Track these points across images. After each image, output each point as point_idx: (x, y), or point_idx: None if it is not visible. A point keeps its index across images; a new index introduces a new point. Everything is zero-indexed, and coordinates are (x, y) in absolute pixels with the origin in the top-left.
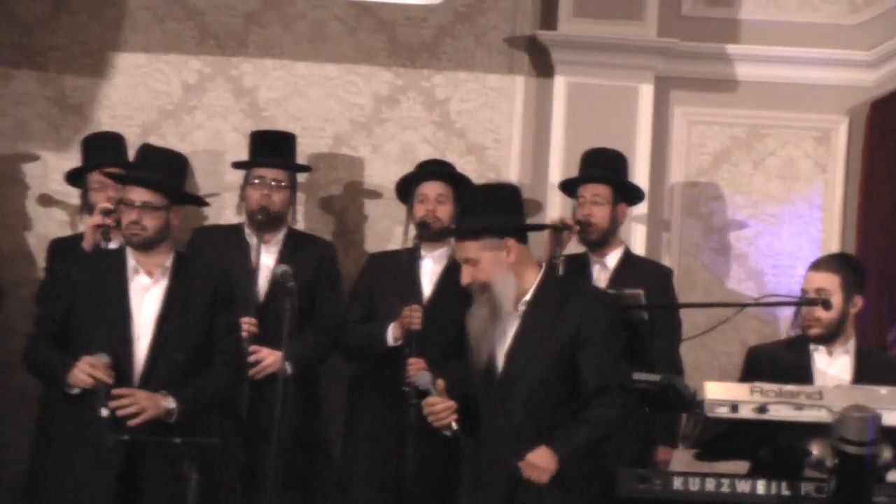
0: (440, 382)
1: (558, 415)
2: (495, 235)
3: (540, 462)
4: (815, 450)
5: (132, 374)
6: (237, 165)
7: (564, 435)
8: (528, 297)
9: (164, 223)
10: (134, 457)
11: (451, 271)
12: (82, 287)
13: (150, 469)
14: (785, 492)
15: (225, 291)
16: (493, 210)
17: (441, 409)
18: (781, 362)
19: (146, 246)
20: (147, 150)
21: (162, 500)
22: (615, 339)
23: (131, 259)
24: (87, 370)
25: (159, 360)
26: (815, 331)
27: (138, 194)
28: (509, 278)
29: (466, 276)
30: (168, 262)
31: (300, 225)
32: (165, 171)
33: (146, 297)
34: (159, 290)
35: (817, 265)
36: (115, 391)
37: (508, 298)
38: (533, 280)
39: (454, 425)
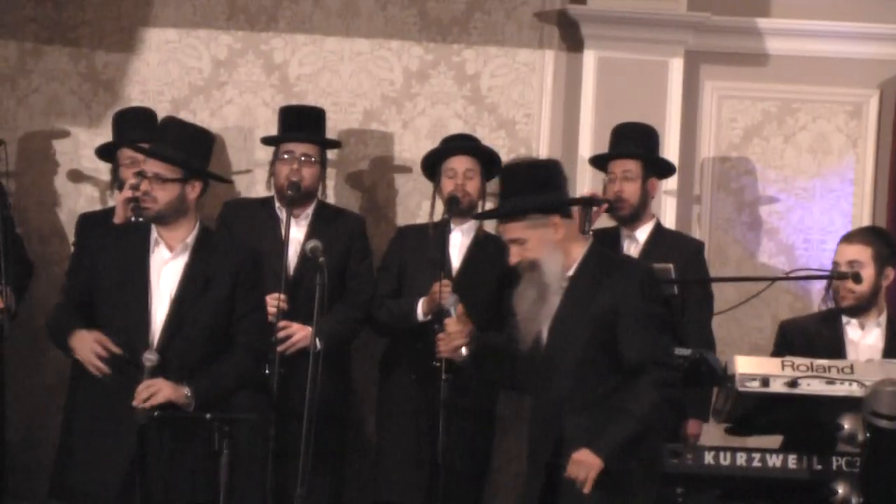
0: (460, 307)
1: (603, 387)
2: (540, 214)
3: (584, 461)
4: (847, 424)
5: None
6: (266, 141)
7: (606, 431)
8: (571, 271)
9: (177, 197)
10: (154, 433)
11: (479, 244)
12: (107, 259)
13: (171, 445)
14: (816, 466)
15: (249, 270)
16: (536, 188)
17: (453, 330)
18: (814, 336)
19: (160, 219)
20: (167, 123)
21: (182, 475)
22: (654, 313)
23: (154, 233)
24: (91, 347)
25: (176, 336)
26: (847, 303)
27: (150, 165)
28: (557, 255)
29: (514, 256)
30: (191, 237)
31: (330, 200)
32: (184, 145)
33: (164, 271)
34: (179, 264)
35: (849, 237)
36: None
37: (556, 275)
38: (578, 254)
39: (464, 351)
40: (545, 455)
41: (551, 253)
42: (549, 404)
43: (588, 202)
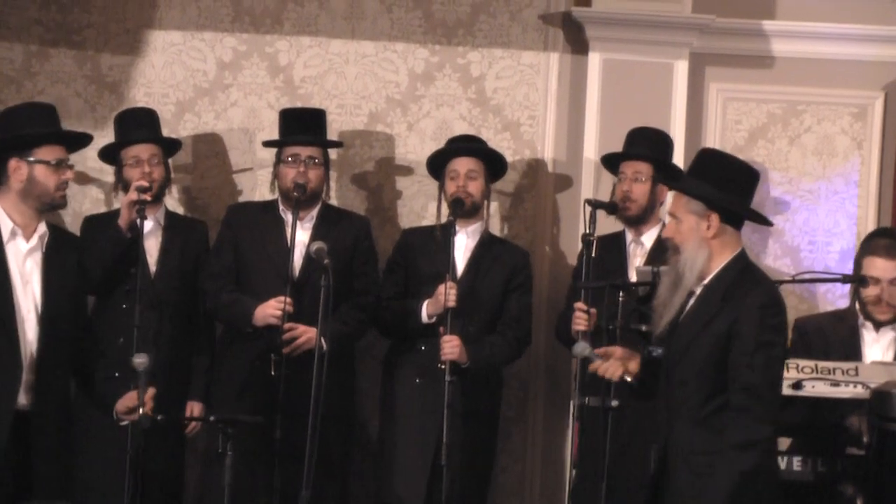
0: (604, 351)
1: (712, 405)
2: (704, 203)
3: None
4: (852, 426)
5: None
6: (268, 144)
7: (709, 492)
8: (708, 279)
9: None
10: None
11: (484, 246)
12: None
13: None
14: (821, 468)
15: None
16: (720, 182)
17: (605, 368)
18: (830, 336)
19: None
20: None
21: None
22: (766, 342)
23: None
24: None
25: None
26: (882, 317)
27: None
28: (701, 251)
29: (667, 230)
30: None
31: (335, 202)
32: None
33: None
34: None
35: (876, 250)
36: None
37: (693, 271)
38: (720, 264)
39: (627, 377)
40: (654, 459)
41: (697, 246)
42: (663, 408)
43: (761, 221)
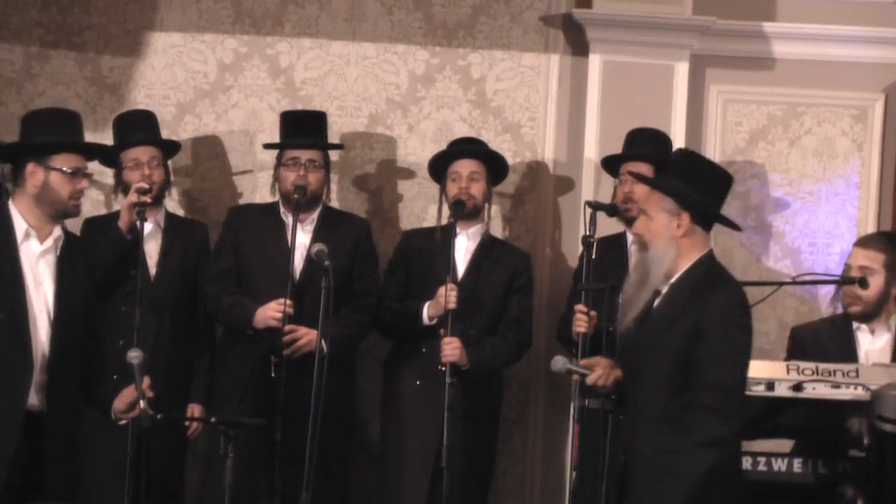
0: (588, 363)
1: (677, 403)
2: (676, 201)
3: None
4: (852, 428)
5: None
6: (269, 146)
7: (667, 492)
8: (675, 278)
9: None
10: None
11: (485, 248)
12: None
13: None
14: (822, 470)
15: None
16: (694, 182)
17: (596, 378)
18: (826, 341)
19: None
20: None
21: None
22: (734, 340)
23: None
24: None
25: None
26: (855, 308)
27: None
28: (669, 250)
29: (638, 226)
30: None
31: (335, 204)
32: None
33: None
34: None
35: (865, 242)
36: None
37: (660, 268)
38: (687, 264)
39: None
40: (619, 454)
41: (665, 244)
42: (630, 408)
43: (730, 223)
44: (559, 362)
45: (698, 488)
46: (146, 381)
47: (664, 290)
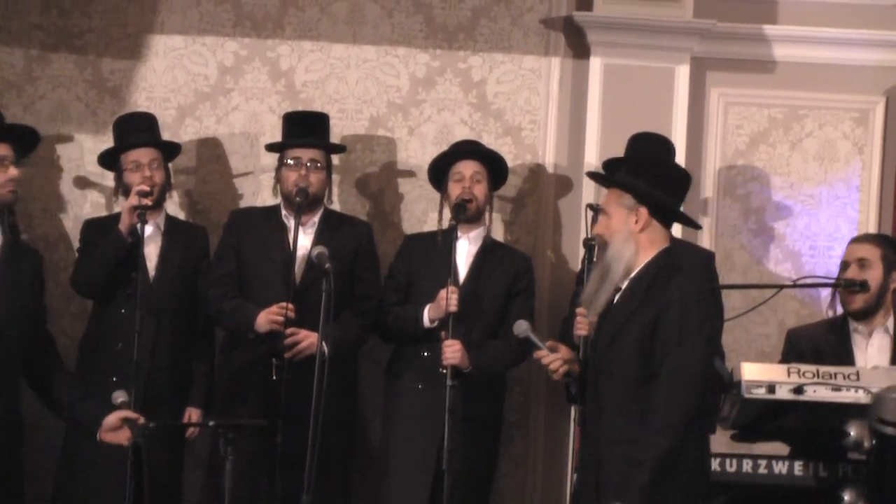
0: (552, 344)
1: (635, 394)
2: (635, 197)
3: None
4: (853, 431)
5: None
6: (271, 147)
7: (628, 481)
8: (634, 273)
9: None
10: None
11: (486, 251)
12: None
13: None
14: (822, 473)
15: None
16: (652, 178)
17: (551, 360)
18: (822, 344)
19: None
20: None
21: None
22: (693, 328)
23: None
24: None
25: None
26: (855, 306)
27: None
28: (628, 245)
29: (598, 226)
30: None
31: (336, 207)
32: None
33: None
34: None
35: (859, 238)
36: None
37: (619, 264)
38: (646, 258)
39: (569, 383)
40: (591, 454)
41: (623, 240)
42: (594, 403)
43: (688, 220)
44: (522, 326)
45: (657, 476)
46: (126, 414)
47: (624, 285)
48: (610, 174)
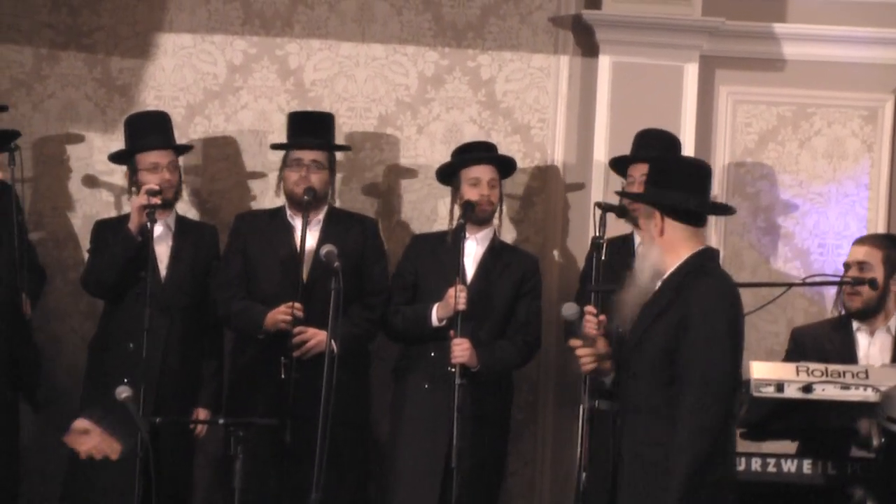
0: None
1: (662, 396)
2: (649, 205)
3: None
4: (862, 429)
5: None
6: (276, 147)
7: (664, 485)
8: (667, 275)
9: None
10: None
11: (494, 252)
12: None
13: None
14: (831, 471)
15: None
16: (666, 183)
17: (583, 354)
18: (825, 343)
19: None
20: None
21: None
22: (721, 329)
23: None
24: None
25: None
26: (855, 305)
27: None
28: (652, 251)
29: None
30: None
31: (345, 205)
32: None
33: None
34: None
35: (861, 240)
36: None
37: (645, 270)
38: (676, 262)
39: (604, 379)
40: (611, 451)
41: (647, 246)
42: (621, 406)
43: (723, 209)
44: (572, 308)
45: (691, 476)
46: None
47: (655, 289)
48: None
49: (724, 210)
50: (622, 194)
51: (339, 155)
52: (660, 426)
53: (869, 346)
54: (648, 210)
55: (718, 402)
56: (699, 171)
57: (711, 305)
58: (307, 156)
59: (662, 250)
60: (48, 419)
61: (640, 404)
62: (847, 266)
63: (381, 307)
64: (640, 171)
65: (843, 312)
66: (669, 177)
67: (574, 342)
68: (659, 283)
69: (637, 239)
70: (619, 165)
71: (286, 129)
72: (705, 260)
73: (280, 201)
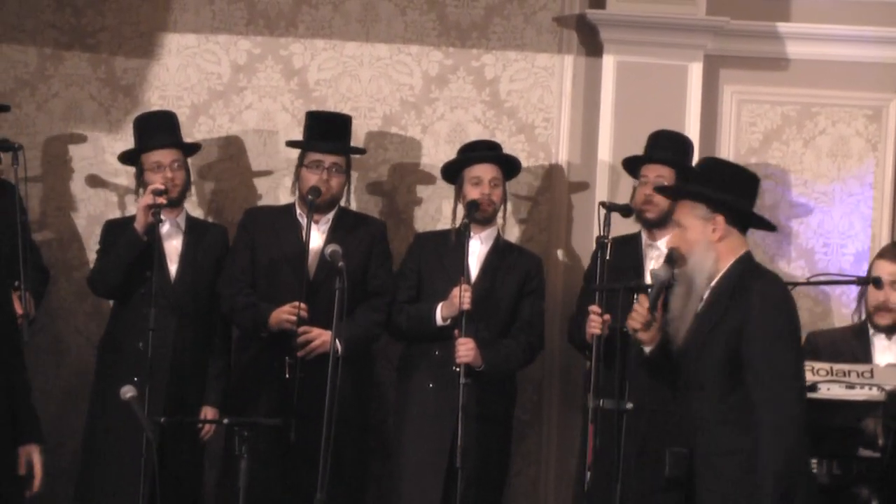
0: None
1: (730, 403)
2: (708, 206)
3: None
4: (867, 428)
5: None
6: (292, 144)
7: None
8: (715, 281)
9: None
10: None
11: (498, 252)
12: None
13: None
14: (836, 471)
15: None
16: (723, 185)
17: (639, 312)
18: (842, 346)
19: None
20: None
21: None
22: (781, 328)
23: None
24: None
25: None
26: (883, 322)
27: None
28: (709, 255)
29: (673, 239)
30: None
31: (351, 206)
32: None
33: None
34: None
35: (888, 254)
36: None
37: (703, 275)
38: (726, 265)
39: (643, 340)
40: (671, 464)
41: (703, 250)
42: (685, 416)
43: (766, 227)
44: (666, 273)
45: (784, 470)
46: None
47: (706, 294)
48: (680, 183)
49: (769, 226)
50: (663, 190)
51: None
52: (731, 435)
53: (885, 349)
54: (703, 212)
55: (795, 394)
56: (753, 178)
57: (772, 305)
58: (328, 159)
59: (718, 256)
60: (53, 418)
61: (707, 416)
62: (878, 281)
63: (386, 309)
64: (654, 172)
65: (863, 318)
66: (725, 179)
67: (644, 299)
68: (708, 291)
69: (644, 239)
70: (631, 165)
71: (304, 127)
72: (753, 262)
73: (284, 200)
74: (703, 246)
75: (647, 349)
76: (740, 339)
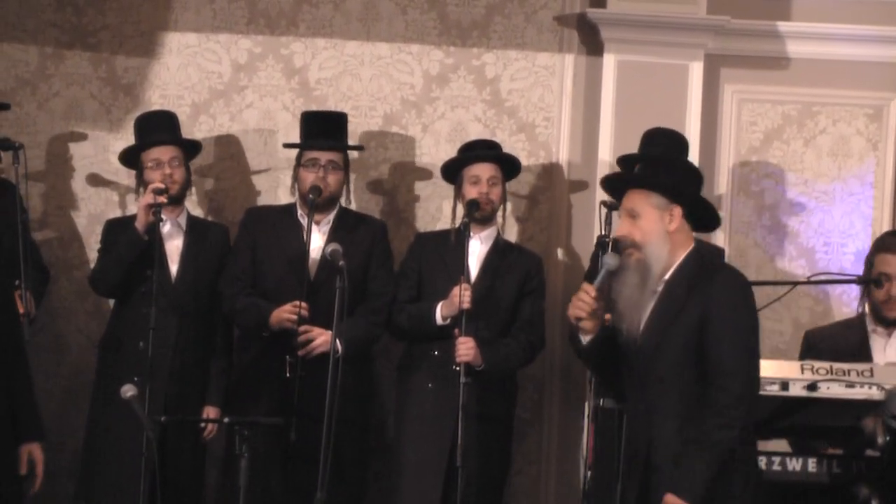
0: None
1: (692, 395)
2: (667, 196)
3: None
4: (867, 427)
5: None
6: (289, 146)
7: (689, 475)
8: (668, 274)
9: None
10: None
11: (498, 251)
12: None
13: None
14: (836, 470)
15: None
16: (678, 174)
17: (584, 300)
18: (840, 342)
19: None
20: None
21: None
22: (744, 324)
23: None
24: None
25: None
26: (893, 314)
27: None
28: (664, 246)
29: (622, 229)
30: None
31: (352, 205)
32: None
33: None
34: None
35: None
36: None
37: (658, 266)
38: (678, 258)
39: (585, 328)
40: (640, 459)
41: (659, 241)
42: (641, 408)
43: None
44: (614, 259)
45: (718, 468)
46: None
47: (660, 287)
48: (627, 174)
49: (715, 223)
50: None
51: (348, 154)
52: (691, 426)
53: (885, 347)
54: (660, 202)
55: (746, 393)
56: (700, 176)
57: (733, 298)
58: (324, 156)
59: (672, 247)
60: (53, 417)
61: (669, 409)
62: (885, 276)
63: (387, 310)
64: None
65: (863, 311)
66: (681, 174)
67: (589, 287)
68: (662, 284)
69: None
70: (626, 163)
71: (300, 128)
72: (703, 257)
73: (284, 199)
74: (659, 236)
75: (586, 339)
76: (702, 331)
